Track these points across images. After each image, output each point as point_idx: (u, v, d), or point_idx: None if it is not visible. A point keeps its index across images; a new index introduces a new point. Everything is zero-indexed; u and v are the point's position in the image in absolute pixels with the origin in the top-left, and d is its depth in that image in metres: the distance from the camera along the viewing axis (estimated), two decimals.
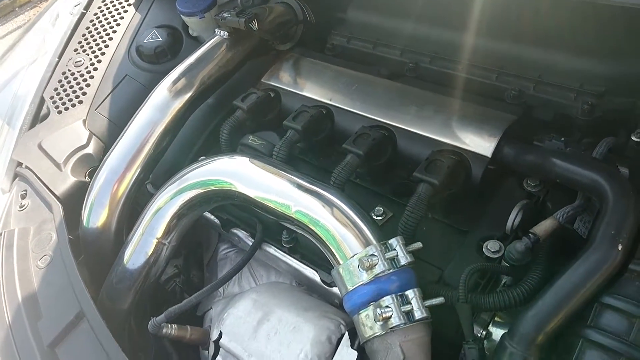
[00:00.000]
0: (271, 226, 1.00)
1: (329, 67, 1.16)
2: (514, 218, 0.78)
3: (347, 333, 0.78)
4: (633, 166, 0.79)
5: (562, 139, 0.86)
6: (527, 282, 0.71)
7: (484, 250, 0.80)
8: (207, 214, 1.09)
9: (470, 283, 0.74)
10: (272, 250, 0.98)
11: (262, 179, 0.88)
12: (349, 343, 0.77)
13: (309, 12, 1.28)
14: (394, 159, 0.97)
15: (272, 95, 1.14)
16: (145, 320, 1.02)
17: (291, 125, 1.01)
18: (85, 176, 1.21)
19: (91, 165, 1.23)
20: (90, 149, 1.24)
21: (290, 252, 0.97)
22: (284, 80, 1.17)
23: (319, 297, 0.93)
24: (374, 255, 0.72)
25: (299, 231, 0.85)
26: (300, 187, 0.84)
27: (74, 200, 1.15)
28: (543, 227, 0.73)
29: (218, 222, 1.08)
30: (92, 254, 1.11)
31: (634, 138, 0.82)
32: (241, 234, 1.03)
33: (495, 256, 0.79)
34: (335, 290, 0.88)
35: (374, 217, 0.92)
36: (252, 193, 0.88)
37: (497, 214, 0.84)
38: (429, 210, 0.90)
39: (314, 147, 1.08)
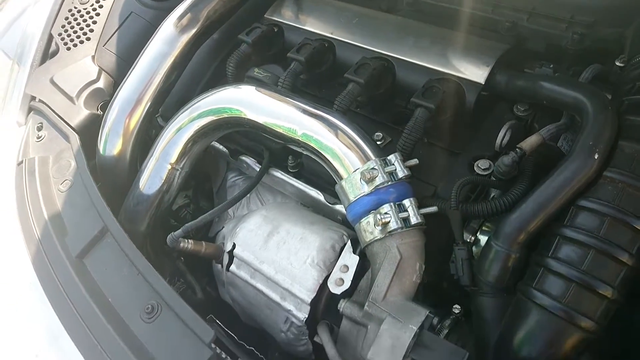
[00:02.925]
0: (277, 153, 1.07)
1: (330, 3, 1.20)
2: (502, 136, 0.85)
3: (349, 241, 0.86)
4: (615, 90, 0.86)
5: (551, 65, 0.92)
6: (512, 192, 0.78)
7: (475, 168, 0.88)
8: (216, 144, 1.16)
9: (461, 196, 0.82)
10: (279, 174, 1.05)
11: (269, 105, 0.94)
12: (352, 250, 0.85)
13: None
14: (393, 89, 1.03)
15: (275, 30, 1.18)
16: (160, 245, 1.11)
17: (295, 57, 1.06)
18: (97, 109, 1.27)
19: (102, 99, 1.28)
20: (100, 84, 1.29)
21: (296, 176, 1.04)
22: (286, 15, 1.21)
23: (323, 215, 1.01)
24: (375, 168, 0.80)
25: (305, 152, 0.92)
26: (305, 111, 0.90)
27: (88, 132, 1.22)
28: (529, 142, 0.80)
29: (226, 151, 1.14)
30: (109, 181, 1.18)
31: (617, 63, 0.88)
32: (249, 160, 1.10)
33: (485, 173, 0.86)
34: (339, 207, 0.96)
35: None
36: (260, 119, 0.94)
37: (488, 137, 0.91)
38: (426, 135, 0.97)
39: (316, 79, 1.13)
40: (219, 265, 1.01)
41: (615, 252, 0.66)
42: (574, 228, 0.69)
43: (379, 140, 0.99)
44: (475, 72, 0.94)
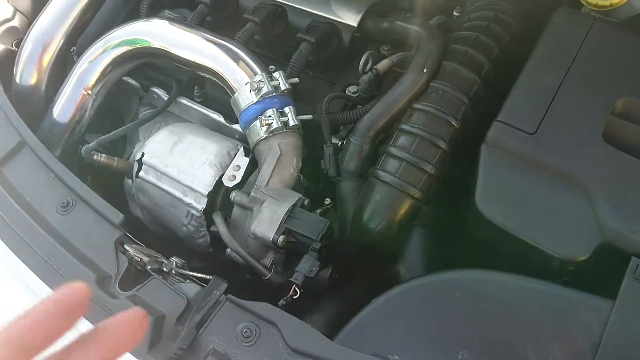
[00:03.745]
0: (185, 85, 1.22)
1: None
2: (363, 62, 1.07)
3: (242, 149, 1.04)
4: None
5: (408, 14, 1.15)
6: (368, 105, 1.00)
7: (346, 92, 1.09)
8: (129, 79, 1.28)
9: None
10: (185, 101, 1.20)
11: (177, 35, 1.09)
12: (243, 154, 1.03)
13: None
14: (286, 31, 1.22)
15: None
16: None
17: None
18: (12, 46, 1.35)
19: (17, 37, 1.36)
20: (15, 22, 1.37)
21: (201, 104, 1.20)
22: None
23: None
24: (262, 81, 0.98)
25: (207, 75, 1.08)
26: (207, 39, 1.06)
27: (3, 66, 1.29)
28: (382, 64, 1.03)
29: (138, 85, 1.28)
30: (25, 112, 1.26)
31: (454, 13, 1.13)
32: (159, 91, 1.24)
33: (354, 95, 1.07)
34: (235, 127, 1.13)
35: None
36: (169, 48, 1.09)
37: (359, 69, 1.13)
38: (310, 69, 1.17)
39: (220, 22, 1.29)
40: (130, 180, 1.15)
41: (434, 139, 0.89)
42: (408, 124, 0.92)
43: (272, 72, 1.18)
44: (351, 17, 1.15)
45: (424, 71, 0.93)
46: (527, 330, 0.73)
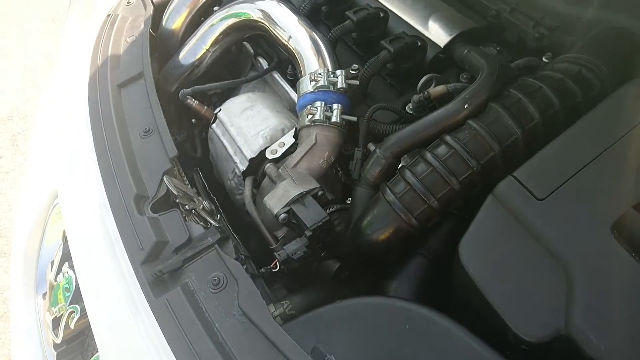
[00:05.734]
0: (283, 62, 1.36)
1: None
2: (422, 82, 1.08)
3: (294, 129, 1.14)
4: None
5: (498, 48, 1.11)
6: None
7: (406, 107, 1.11)
8: (247, 44, 1.46)
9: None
10: (276, 76, 1.34)
11: (278, 17, 1.22)
12: (292, 134, 1.13)
13: None
14: (383, 34, 1.26)
15: None
16: (183, 105, 1.45)
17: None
18: None
19: None
20: None
21: (290, 82, 1.33)
22: None
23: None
24: (320, 74, 1.07)
25: (289, 56, 1.20)
26: (300, 24, 1.18)
27: (162, 9, 1.57)
28: (435, 90, 1.03)
29: (252, 51, 1.45)
30: (163, 52, 1.53)
31: (544, 58, 1.06)
32: (263, 61, 1.40)
33: (405, 111, 1.10)
34: None
35: (350, 71, 1.24)
36: (267, 24, 1.24)
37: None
38: (389, 77, 1.21)
39: (334, 15, 1.38)
40: (214, 125, 1.33)
41: (447, 175, 0.89)
42: (430, 152, 0.92)
43: (354, 70, 1.24)
44: (440, 36, 1.15)
45: (465, 106, 0.92)
46: None
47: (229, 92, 1.63)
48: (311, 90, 1.07)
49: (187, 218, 1.04)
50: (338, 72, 1.08)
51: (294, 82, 1.33)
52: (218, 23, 1.34)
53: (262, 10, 1.26)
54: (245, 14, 1.28)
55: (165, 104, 1.42)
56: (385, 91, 1.20)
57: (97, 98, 1.32)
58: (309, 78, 1.08)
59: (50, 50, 3.55)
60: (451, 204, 0.91)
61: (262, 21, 1.24)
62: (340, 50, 1.30)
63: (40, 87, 3.30)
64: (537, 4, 1.17)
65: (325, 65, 1.10)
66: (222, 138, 1.21)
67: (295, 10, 1.28)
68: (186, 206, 1.07)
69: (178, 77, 1.43)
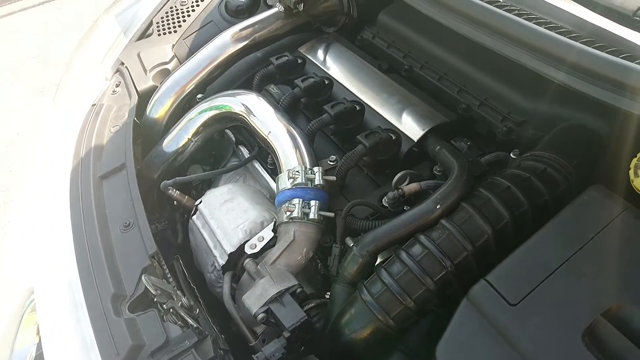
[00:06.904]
0: (264, 151, 1.39)
1: (348, 53, 1.51)
2: (396, 179, 1.11)
3: (273, 223, 1.16)
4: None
5: (469, 143, 1.16)
6: (384, 220, 1.04)
7: (383, 200, 1.14)
8: (229, 132, 1.50)
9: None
10: (257, 165, 1.37)
11: (258, 111, 1.27)
12: (272, 228, 1.15)
13: (354, 8, 1.63)
14: (359, 127, 1.31)
15: (299, 62, 1.51)
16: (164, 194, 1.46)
17: (298, 84, 1.38)
18: (160, 84, 1.67)
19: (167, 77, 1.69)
20: (169, 66, 1.70)
21: (269, 171, 1.36)
22: (312, 53, 1.54)
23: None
24: (298, 172, 1.10)
25: (268, 150, 1.23)
26: (278, 119, 1.22)
27: (147, 98, 1.62)
28: (409, 187, 1.06)
29: (234, 139, 1.49)
30: (147, 138, 1.57)
31: (511, 155, 1.10)
32: (244, 150, 1.44)
33: (386, 204, 1.12)
34: None
35: (328, 162, 1.28)
36: (246, 116, 1.28)
37: None
38: (366, 167, 1.24)
39: (312, 106, 1.44)
40: (194, 217, 1.35)
41: (421, 275, 0.90)
42: (405, 251, 0.94)
43: (332, 161, 1.28)
44: (414, 131, 1.20)
45: (437, 207, 0.95)
46: None
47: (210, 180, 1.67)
48: (289, 187, 1.10)
49: (165, 317, 1.03)
50: (315, 168, 1.12)
51: (274, 171, 1.36)
52: (200, 114, 1.39)
53: (243, 104, 1.30)
54: (226, 107, 1.33)
55: (148, 190, 1.44)
56: (363, 182, 1.23)
57: (78, 190, 1.33)
58: (286, 175, 1.11)
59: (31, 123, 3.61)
60: (428, 303, 0.91)
61: (243, 114, 1.29)
62: (319, 140, 1.35)
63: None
64: (504, 98, 1.23)
65: (302, 161, 1.14)
66: (202, 230, 1.22)
67: (275, 104, 1.34)
68: (164, 305, 1.06)
69: (161, 164, 1.46)
